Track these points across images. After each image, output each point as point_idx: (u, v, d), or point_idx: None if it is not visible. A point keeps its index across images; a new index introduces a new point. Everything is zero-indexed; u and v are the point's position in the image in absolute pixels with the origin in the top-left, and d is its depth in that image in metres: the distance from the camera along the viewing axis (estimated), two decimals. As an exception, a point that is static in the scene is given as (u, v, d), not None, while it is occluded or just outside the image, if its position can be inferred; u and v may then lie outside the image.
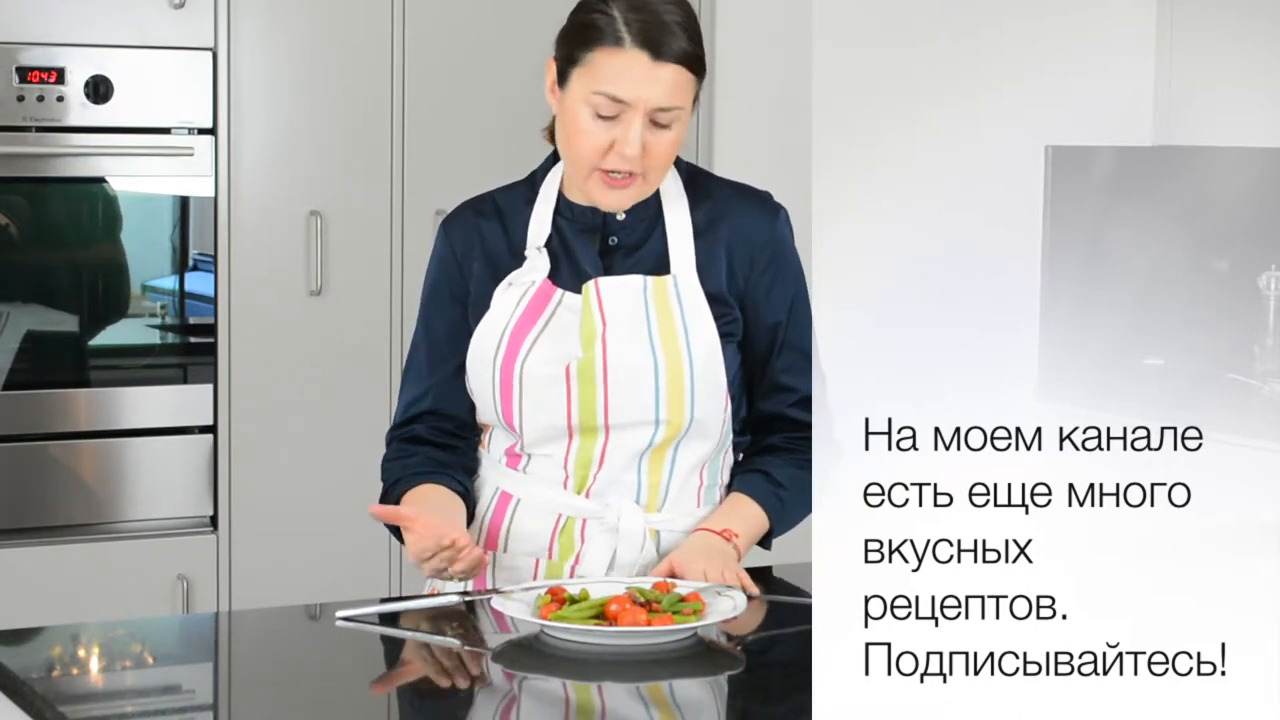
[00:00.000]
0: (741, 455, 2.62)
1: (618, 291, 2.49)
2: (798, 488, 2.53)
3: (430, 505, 2.47)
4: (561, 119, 2.46)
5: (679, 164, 2.56)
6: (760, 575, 2.53)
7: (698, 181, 2.57)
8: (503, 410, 2.50)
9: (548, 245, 2.52)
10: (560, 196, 2.54)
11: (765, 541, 2.58)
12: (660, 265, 2.51)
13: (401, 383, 2.63)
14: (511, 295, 2.51)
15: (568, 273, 2.51)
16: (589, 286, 2.49)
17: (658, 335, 2.47)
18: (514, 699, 2.13)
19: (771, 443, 2.59)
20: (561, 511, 2.52)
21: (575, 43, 2.42)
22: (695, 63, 2.41)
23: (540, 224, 2.53)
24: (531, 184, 2.57)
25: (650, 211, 2.52)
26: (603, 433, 2.48)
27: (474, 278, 2.54)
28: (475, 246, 2.54)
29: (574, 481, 2.51)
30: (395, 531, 2.51)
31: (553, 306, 2.49)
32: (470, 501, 2.56)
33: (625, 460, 2.49)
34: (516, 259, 2.53)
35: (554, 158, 2.55)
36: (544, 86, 2.48)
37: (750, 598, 2.37)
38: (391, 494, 2.55)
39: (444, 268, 2.57)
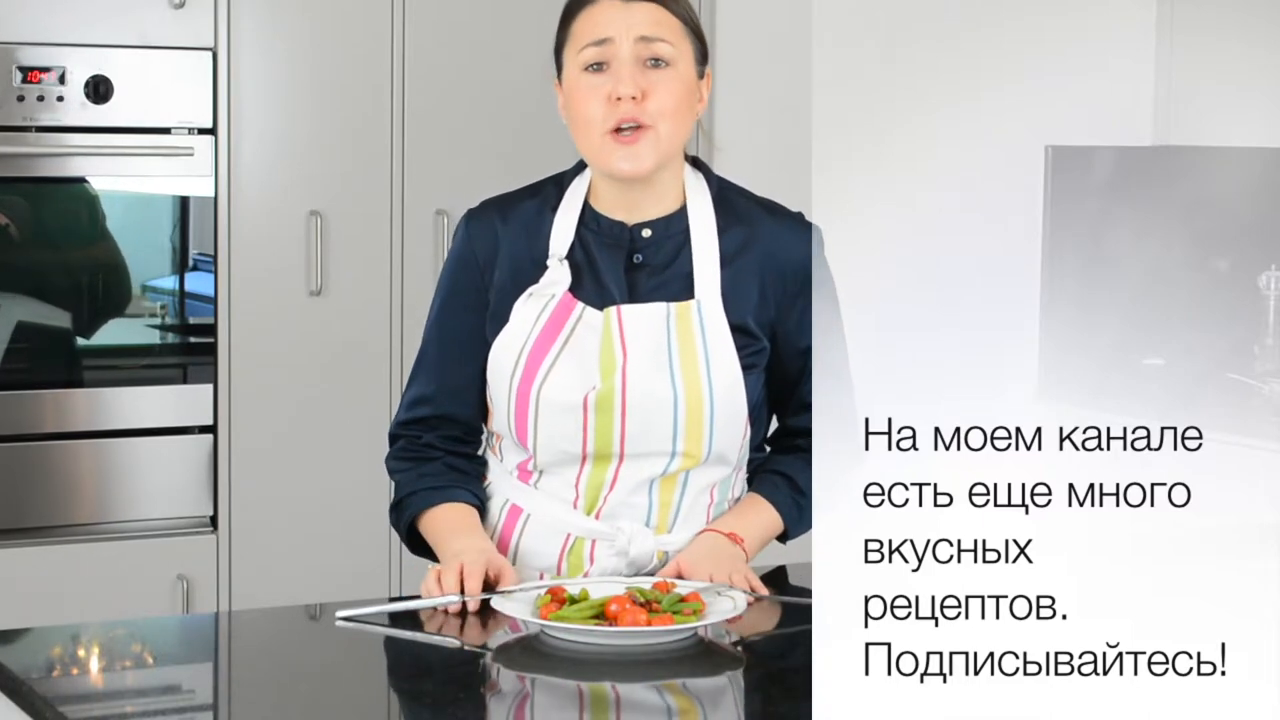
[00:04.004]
0: (769, 449, 2.60)
1: (640, 321, 2.44)
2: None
3: (453, 530, 2.48)
4: (567, 110, 2.46)
5: (709, 179, 2.53)
6: (772, 576, 2.53)
7: (727, 201, 2.52)
8: (517, 431, 2.48)
9: (570, 256, 2.48)
10: (586, 207, 2.50)
11: (783, 538, 2.57)
12: (685, 289, 2.47)
13: (410, 376, 2.60)
14: (531, 308, 2.47)
15: (590, 287, 2.47)
16: (610, 314, 2.45)
17: (679, 366, 2.43)
18: (513, 699, 2.12)
19: (798, 444, 2.55)
20: (571, 531, 2.50)
21: (560, 27, 2.46)
22: (672, 4, 2.42)
23: (564, 233, 2.49)
24: (559, 187, 2.52)
25: (677, 231, 2.48)
26: (617, 459, 2.46)
27: (494, 287, 2.50)
28: (497, 253, 2.50)
29: (584, 502, 2.48)
30: (417, 547, 2.54)
31: (573, 322, 2.45)
32: (483, 510, 2.55)
33: (637, 484, 2.47)
34: (538, 267, 2.49)
35: (581, 164, 2.53)
36: (543, 87, 2.49)
37: (756, 598, 2.37)
38: (406, 506, 2.53)
39: (465, 269, 2.52)
